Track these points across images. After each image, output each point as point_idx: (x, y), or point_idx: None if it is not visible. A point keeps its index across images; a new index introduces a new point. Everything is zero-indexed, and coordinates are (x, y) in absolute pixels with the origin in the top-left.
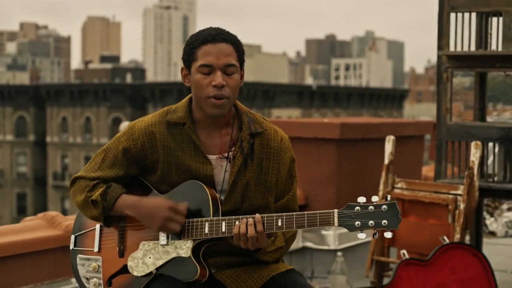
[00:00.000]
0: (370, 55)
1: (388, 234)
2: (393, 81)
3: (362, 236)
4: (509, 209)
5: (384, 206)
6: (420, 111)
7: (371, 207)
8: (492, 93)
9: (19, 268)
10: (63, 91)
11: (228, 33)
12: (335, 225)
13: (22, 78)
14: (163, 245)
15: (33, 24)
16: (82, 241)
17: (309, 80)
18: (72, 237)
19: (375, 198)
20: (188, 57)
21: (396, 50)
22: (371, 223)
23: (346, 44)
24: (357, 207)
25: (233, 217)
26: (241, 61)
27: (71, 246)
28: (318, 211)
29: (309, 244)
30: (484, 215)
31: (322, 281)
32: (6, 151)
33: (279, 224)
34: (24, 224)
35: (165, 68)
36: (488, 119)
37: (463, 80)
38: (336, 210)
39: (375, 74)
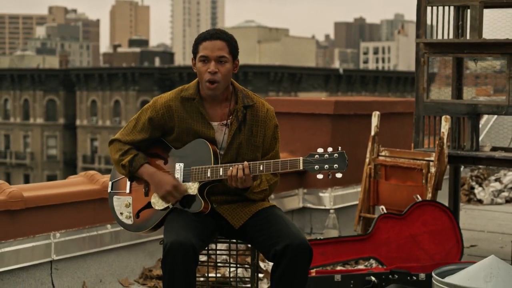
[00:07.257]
0: (399, 38)
1: (338, 175)
2: None
3: (320, 177)
4: (496, 180)
5: (336, 154)
6: (447, 95)
7: (326, 155)
8: None
9: (65, 214)
10: (92, 75)
11: (224, 32)
12: (300, 168)
13: (52, 62)
14: None
15: (62, 8)
16: (117, 185)
17: (337, 64)
18: (110, 183)
19: (330, 149)
20: (194, 50)
21: None
22: (326, 167)
23: (375, 28)
24: (316, 155)
25: (228, 164)
26: (233, 54)
27: (109, 190)
28: (288, 159)
29: (308, 205)
30: (473, 185)
31: (320, 236)
32: (37, 134)
33: (261, 168)
34: (69, 180)
35: None
36: None
37: (493, 64)
38: (301, 158)
39: (404, 58)
